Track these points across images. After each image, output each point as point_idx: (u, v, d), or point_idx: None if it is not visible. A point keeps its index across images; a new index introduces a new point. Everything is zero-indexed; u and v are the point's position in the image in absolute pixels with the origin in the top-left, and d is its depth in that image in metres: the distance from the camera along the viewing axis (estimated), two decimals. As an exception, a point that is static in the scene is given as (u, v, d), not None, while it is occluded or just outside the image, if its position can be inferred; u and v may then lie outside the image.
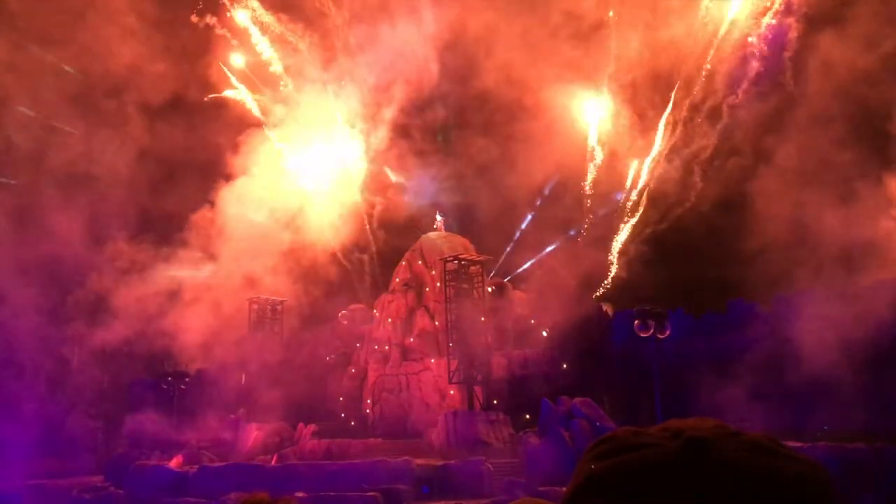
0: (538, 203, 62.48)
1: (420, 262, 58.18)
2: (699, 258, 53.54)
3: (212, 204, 59.45)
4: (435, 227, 60.92)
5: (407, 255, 59.95)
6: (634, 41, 56.48)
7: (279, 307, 60.19)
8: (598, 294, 58.93)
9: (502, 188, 61.47)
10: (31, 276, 51.04)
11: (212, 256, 59.31)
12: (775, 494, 0.99)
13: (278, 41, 63.48)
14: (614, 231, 61.41)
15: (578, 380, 47.46)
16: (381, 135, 62.27)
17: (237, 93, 64.31)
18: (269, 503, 2.16)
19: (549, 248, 60.92)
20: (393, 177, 64.64)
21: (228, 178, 60.20)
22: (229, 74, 63.83)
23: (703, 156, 57.32)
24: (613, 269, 60.36)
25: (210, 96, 63.37)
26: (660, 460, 1.03)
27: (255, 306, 59.34)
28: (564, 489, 1.16)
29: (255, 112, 64.40)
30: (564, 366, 50.72)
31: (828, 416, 39.43)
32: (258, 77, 64.47)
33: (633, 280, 57.37)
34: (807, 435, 36.11)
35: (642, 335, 41.58)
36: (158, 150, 60.03)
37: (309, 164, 63.43)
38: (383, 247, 64.40)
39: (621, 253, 60.64)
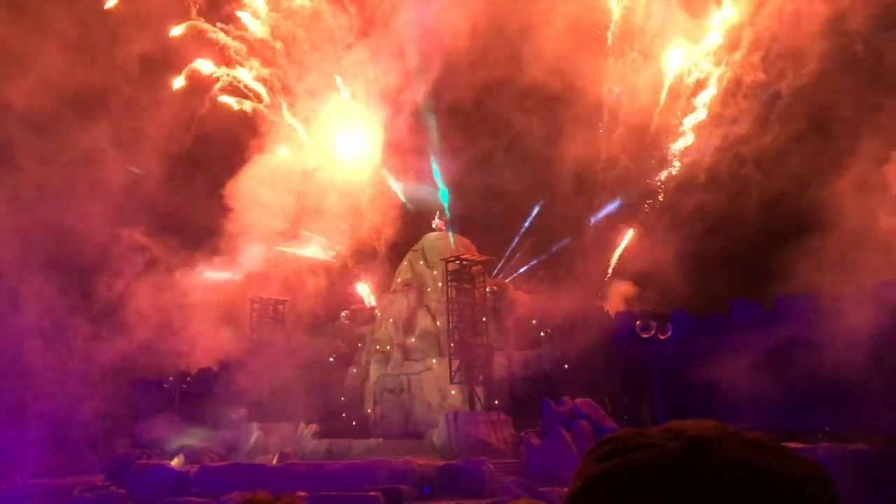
0: (543, 201, 62.42)
1: (422, 263, 58.17)
2: (705, 256, 53.13)
3: (220, 199, 59.42)
4: (434, 225, 60.84)
5: (409, 255, 59.93)
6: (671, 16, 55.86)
7: (281, 307, 60.17)
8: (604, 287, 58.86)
9: (507, 185, 61.46)
10: (36, 274, 51.13)
11: (214, 255, 59.38)
12: (779, 493, 0.99)
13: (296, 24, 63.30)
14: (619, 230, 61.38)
15: (580, 380, 47.45)
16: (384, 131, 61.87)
17: (248, 72, 64.03)
18: (270, 502, 2.16)
19: (553, 248, 61.02)
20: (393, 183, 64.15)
21: (236, 172, 60.36)
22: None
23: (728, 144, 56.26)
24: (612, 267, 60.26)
25: (216, 80, 63.13)
26: (662, 460, 1.03)
27: (256, 306, 59.33)
28: (566, 490, 1.16)
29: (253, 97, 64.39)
30: (566, 366, 50.70)
31: (831, 416, 39.41)
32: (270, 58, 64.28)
33: (638, 279, 57.28)
34: (809, 435, 36.07)
35: (644, 336, 41.67)
36: (164, 144, 60.18)
37: (320, 156, 63.49)
38: (386, 246, 64.28)
39: (626, 252, 60.57)
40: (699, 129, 57.25)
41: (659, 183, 59.66)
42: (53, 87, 56.30)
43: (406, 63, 59.92)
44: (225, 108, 64.37)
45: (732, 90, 55.67)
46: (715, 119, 56.50)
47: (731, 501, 0.96)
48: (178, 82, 63.36)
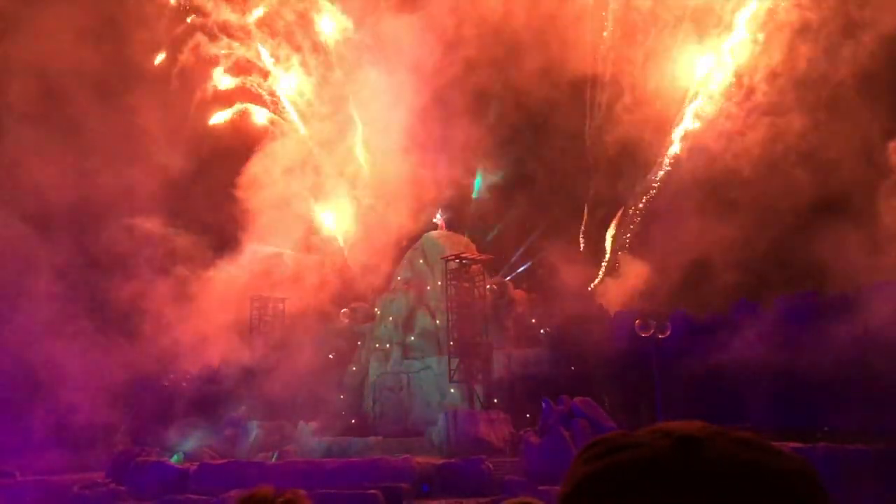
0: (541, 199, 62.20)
1: (421, 261, 58.16)
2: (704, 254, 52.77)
3: (232, 197, 59.25)
4: (437, 224, 60.79)
5: (408, 253, 59.92)
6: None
7: (281, 305, 60.19)
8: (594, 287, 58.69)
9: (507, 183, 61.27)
10: (37, 270, 51.07)
11: (214, 253, 59.37)
12: (767, 487, 1.01)
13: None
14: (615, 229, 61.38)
15: (579, 379, 47.45)
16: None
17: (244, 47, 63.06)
18: (273, 497, 2.18)
19: (552, 246, 60.93)
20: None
21: (245, 171, 60.10)
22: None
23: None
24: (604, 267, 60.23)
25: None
26: (651, 458, 1.05)
27: (256, 304, 59.35)
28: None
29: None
30: (565, 365, 50.69)
31: (830, 416, 39.40)
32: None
33: (637, 278, 57.11)
34: (808, 435, 36.07)
35: (643, 335, 41.67)
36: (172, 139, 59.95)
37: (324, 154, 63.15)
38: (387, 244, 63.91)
39: (623, 251, 60.52)
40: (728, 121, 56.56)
41: (656, 182, 59.65)
42: (60, 77, 56.28)
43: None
44: (238, 90, 63.60)
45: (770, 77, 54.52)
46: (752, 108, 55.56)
47: (721, 496, 0.97)
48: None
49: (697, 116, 57.32)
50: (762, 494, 1.00)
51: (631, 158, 59.89)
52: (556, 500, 1.15)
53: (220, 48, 62.85)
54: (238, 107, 63.73)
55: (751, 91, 54.76)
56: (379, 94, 60.57)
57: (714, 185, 54.44)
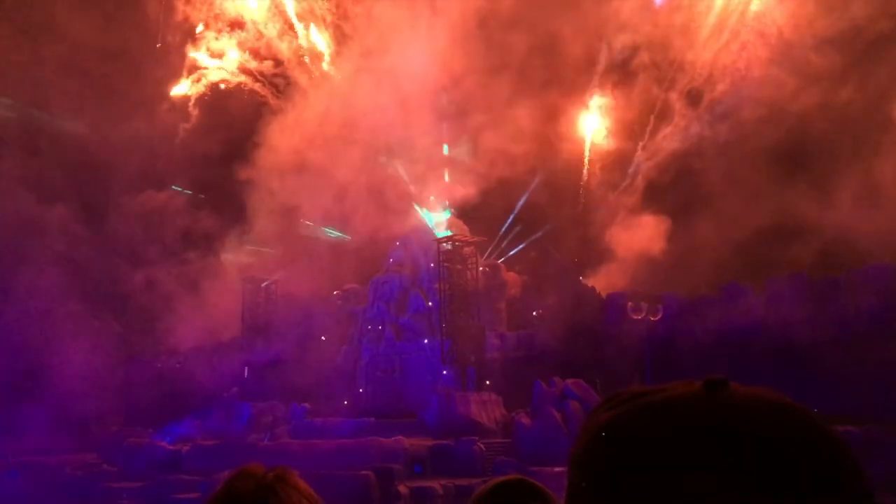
0: (534, 182, 61.77)
1: (415, 243, 58.03)
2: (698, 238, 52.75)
3: (236, 185, 58.80)
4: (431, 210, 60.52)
5: (402, 234, 59.70)
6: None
7: (273, 286, 60.10)
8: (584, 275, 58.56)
9: (499, 167, 60.82)
10: (33, 259, 50.90)
11: (208, 236, 59.17)
12: (800, 422, 1.00)
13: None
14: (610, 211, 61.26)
15: (571, 361, 47.60)
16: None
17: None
18: (262, 474, 2.14)
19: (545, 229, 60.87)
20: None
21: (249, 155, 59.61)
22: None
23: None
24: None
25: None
26: (682, 397, 1.01)
27: (249, 286, 59.25)
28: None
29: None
30: (557, 347, 50.83)
31: (820, 398, 39.67)
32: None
33: (629, 263, 57.12)
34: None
35: (635, 317, 41.82)
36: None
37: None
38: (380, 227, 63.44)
39: (617, 236, 60.44)
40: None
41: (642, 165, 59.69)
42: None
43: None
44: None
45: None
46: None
47: (755, 430, 0.96)
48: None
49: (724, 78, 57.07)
50: (794, 427, 0.99)
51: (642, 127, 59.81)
52: (574, 452, 1.07)
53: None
54: (229, 62, 62.95)
55: (776, 48, 54.29)
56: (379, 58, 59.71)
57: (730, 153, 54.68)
